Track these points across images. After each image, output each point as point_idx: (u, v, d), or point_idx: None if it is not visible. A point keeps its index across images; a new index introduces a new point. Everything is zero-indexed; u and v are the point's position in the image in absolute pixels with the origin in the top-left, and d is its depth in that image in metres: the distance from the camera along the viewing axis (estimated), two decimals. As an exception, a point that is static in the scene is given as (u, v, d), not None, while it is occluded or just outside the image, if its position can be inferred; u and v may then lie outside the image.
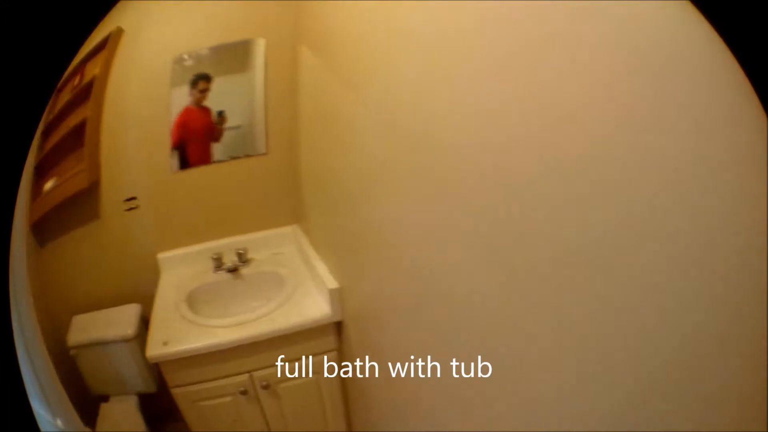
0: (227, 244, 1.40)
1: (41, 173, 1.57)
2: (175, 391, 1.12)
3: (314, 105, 1.11)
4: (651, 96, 0.26)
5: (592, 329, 0.31)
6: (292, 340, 1.07)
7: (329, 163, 1.03)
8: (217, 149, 1.40)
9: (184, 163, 1.39)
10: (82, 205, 1.50)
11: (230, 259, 1.36)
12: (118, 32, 1.41)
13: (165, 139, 1.39)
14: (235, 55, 1.34)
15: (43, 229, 1.62)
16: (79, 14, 0.47)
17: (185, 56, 1.34)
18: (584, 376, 0.32)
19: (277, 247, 1.42)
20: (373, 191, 0.75)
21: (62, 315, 1.62)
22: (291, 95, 1.27)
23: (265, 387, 1.10)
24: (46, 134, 1.56)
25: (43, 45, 0.44)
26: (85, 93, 1.44)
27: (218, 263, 1.36)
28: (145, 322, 1.41)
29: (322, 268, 1.11)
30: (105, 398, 1.51)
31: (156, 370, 1.39)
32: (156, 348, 1.08)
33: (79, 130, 1.42)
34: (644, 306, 0.27)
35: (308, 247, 1.27)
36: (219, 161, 1.42)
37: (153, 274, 1.50)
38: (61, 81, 1.51)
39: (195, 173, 1.41)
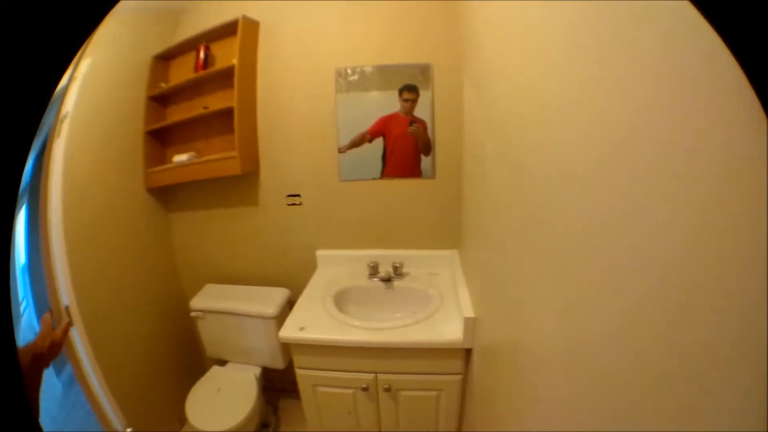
0: (385, 256, 1.85)
1: (163, 140, 2.16)
2: (300, 372, 1.52)
3: (471, 137, 1.43)
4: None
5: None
6: (421, 355, 1.38)
7: (477, 194, 1.35)
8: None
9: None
10: (233, 189, 2.08)
11: (386, 270, 1.77)
12: (251, 23, 1.84)
13: (332, 144, 1.83)
14: (408, 76, 1.71)
15: (172, 197, 2.23)
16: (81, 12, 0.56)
17: (349, 70, 1.74)
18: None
19: (434, 267, 1.81)
20: (499, 229, 1.00)
21: (193, 280, 2.33)
22: (457, 124, 1.62)
23: (387, 390, 1.43)
24: (164, 102, 2.14)
25: (45, 42, 0.53)
26: (224, 77, 1.90)
27: (374, 271, 1.78)
28: (289, 307, 1.95)
29: (465, 295, 1.40)
30: (220, 362, 2.17)
31: (288, 353, 1.97)
32: (291, 331, 1.47)
33: (224, 116, 1.90)
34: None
35: (460, 273, 1.58)
36: (389, 177, 1.82)
37: (309, 266, 2.02)
38: (166, 49, 2.04)
39: (364, 184, 1.85)
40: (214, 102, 1.96)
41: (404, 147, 1.81)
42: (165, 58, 2.11)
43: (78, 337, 1.62)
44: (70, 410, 1.34)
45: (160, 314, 2.24)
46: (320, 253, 2.01)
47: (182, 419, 2.29)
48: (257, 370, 2.03)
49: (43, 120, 0.59)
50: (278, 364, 2.00)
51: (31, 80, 0.55)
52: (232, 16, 1.79)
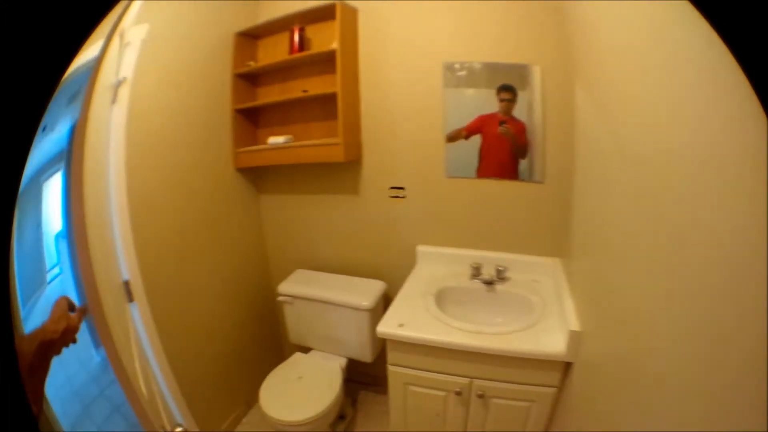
0: (488, 258, 2.00)
1: (253, 120, 2.43)
2: (392, 369, 1.69)
3: (585, 143, 1.55)
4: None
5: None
6: (519, 364, 1.48)
7: (591, 202, 1.49)
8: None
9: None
10: (332, 176, 2.33)
11: (489, 272, 1.91)
12: (350, 8, 2.02)
13: (439, 139, 2.01)
14: (508, 75, 1.84)
15: (264, 178, 2.51)
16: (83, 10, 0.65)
17: (457, 65, 1.89)
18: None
19: (536, 274, 1.95)
20: (617, 239, 1.08)
21: (282, 264, 2.65)
22: (564, 128, 1.71)
23: (480, 396, 1.55)
24: (253, 81, 2.41)
25: (46, 38, 0.61)
26: (322, 62, 2.15)
27: (476, 272, 1.93)
28: (384, 301, 2.21)
29: (570, 306, 1.49)
30: (303, 348, 2.44)
31: (377, 347, 2.23)
32: (390, 326, 1.63)
33: (324, 101, 2.13)
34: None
35: (564, 283, 1.68)
36: (483, 177, 1.98)
37: (407, 261, 2.23)
38: (251, 27, 2.27)
39: (468, 183, 2.02)
40: (314, 86, 2.19)
41: (498, 147, 1.94)
42: (252, 37, 2.36)
43: (138, 313, 1.85)
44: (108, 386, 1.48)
45: (241, 294, 2.55)
46: (421, 248, 2.21)
47: (250, 402, 2.63)
48: (342, 361, 2.29)
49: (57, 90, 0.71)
50: (366, 357, 2.25)
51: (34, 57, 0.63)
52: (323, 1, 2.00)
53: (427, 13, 1.92)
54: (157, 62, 1.86)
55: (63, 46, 0.67)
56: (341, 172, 2.28)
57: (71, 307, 0.83)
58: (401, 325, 1.68)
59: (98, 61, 1.16)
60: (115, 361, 1.14)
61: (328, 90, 2.03)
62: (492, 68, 1.85)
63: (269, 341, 2.86)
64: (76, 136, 1.07)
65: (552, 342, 1.53)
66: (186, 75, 2.02)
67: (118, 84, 1.73)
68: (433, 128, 2.01)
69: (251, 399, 2.64)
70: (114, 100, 1.72)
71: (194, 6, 2.05)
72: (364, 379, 2.62)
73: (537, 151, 1.88)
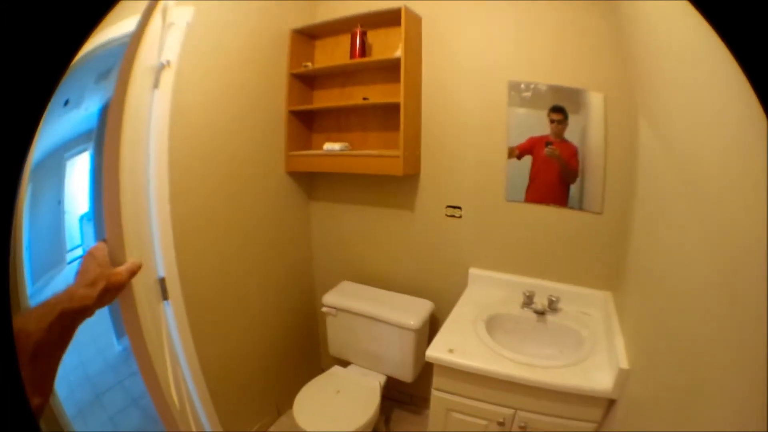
0: (540, 286, 2.09)
1: (308, 123, 2.60)
2: (436, 394, 1.79)
3: (647, 179, 1.55)
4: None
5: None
6: (565, 399, 1.56)
7: (648, 239, 1.49)
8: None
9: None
10: (387, 189, 2.48)
11: (541, 302, 2.00)
12: (414, 16, 2.12)
13: (501, 160, 2.12)
14: (560, 97, 1.94)
15: (315, 184, 2.67)
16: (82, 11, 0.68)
17: (522, 85, 1.99)
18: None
19: (587, 306, 2.03)
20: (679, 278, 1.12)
21: (327, 274, 2.82)
22: (622, 157, 1.81)
23: (522, 428, 1.62)
24: (310, 83, 2.56)
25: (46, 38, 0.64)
26: (383, 69, 2.29)
27: (528, 301, 2.03)
28: (430, 322, 2.34)
29: (619, 343, 1.56)
30: (341, 362, 2.59)
31: (419, 367, 2.36)
32: (439, 351, 1.72)
33: (385, 110, 2.28)
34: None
35: (614, 318, 1.75)
36: (530, 202, 2.09)
37: (458, 283, 2.34)
38: (308, 26, 2.42)
39: (525, 208, 2.09)
40: (374, 94, 2.34)
41: (546, 170, 2.04)
42: (308, 36, 2.52)
43: (172, 312, 1.94)
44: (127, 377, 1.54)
45: (281, 299, 2.73)
46: (474, 271, 2.33)
47: (281, 410, 2.79)
48: (382, 379, 2.42)
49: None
50: (406, 377, 2.38)
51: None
52: (388, 4, 2.12)
53: (491, 26, 2.05)
54: (204, 49, 1.95)
55: (71, 27, 0.70)
56: (397, 185, 2.42)
57: (114, 256, 0.73)
58: (451, 351, 1.79)
59: (136, 38, 1.13)
60: (141, 355, 1.11)
61: (390, 99, 2.18)
62: (553, 90, 1.97)
63: (306, 350, 3.04)
64: (110, 118, 1.04)
65: (600, 379, 1.61)
66: (237, 67, 2.14)
67: (161, 67, 1.78)
68: (494, 148, 2.13)
69: (282, 406, 2.81)
70: (156, 85, 1.75)
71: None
72: (400, 397, 2.76)
73: (590, 177, 1.98)
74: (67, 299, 0.66)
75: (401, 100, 2.10)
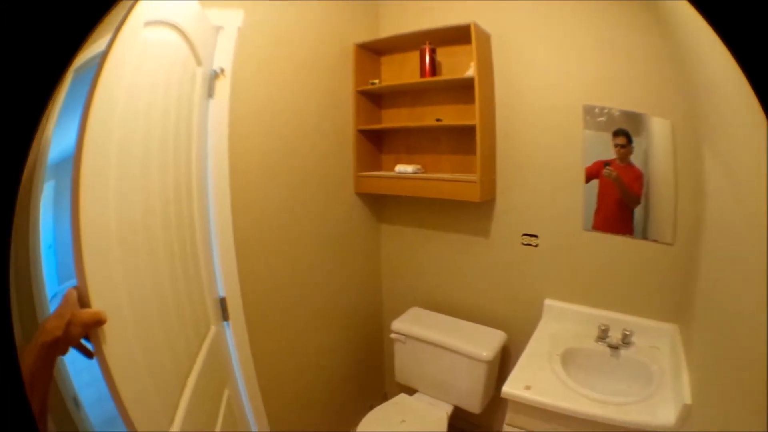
0: (612, 319, 2.16)
1: (377, 143, 2.76)
2: (507, 429, 1.88)
3: (714, 212, 1.60)
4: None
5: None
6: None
7: (715, 274, 1.54)
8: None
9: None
10: (461, 214, 2.60)
11: (615, 336, 2.09)
12: (483, 33, 2.21)
13: (578, 187, 2.20)
14: (635, 124, 2.02)
15: (384, 206, 2.85)
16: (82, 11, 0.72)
17: (597, 109, 2.10)
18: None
19: (655, 339, 2.09)
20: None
21: (395, 299, 2.98)
22: (696, 192, 1.82)
23: None
24: (377, 101, 2.71)
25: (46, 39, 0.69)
26: (454, 89, 2.41)
27: (603, 335, 2.11)
28: (502, 352, 2.46)
29: (685, 378, 1.62)
30: (410, 389, 2.73)
31: (488, 397, 2.50)
32: (516, 387, 1.82)
33: (458, 133, 2.43)
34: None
35: (681, 352, 1.81)
36: (596, 230, 2.18)
37: (531, 314, 2.43)
38: (373, 41, 2.52)
39: (595, 236, 2.19)
40: (446, 115, 2.50)
41: (608, 195, 2.14)
42: (374, 51, 2.69)
43: (230, 331, 2.05)
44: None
45: (346, 322, 2.89)
46: (549, 302, 2.44)
47: None
48: (449, 409, 2.56)
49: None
50: (474, 407, 2.51)
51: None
52: (454, 20, 2.21)
53: (562, 46, 2.15)
54: (261, 58, 2.03)
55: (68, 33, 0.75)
56: (472, 211, 2.55)
57: (82, 300, 0.83)
58: (528, 388, 1.90)
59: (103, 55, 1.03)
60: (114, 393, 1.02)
61: (464, 121, 2.31)
62: (624, 114, 2.07)
63: (370, 374, 3.21)
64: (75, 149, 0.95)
65: (663, 414, 1.69)
66: (298, 80, 2.25)
67: (214, 75, 1.83)
68: (569, 173, 2.22)
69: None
70: (210, 94, 1.83)
71: (304, 4, 2.23)
72: (464, 425, 2.86)
73: (655, 204, 2.06)
74: (42, 333, 0.76)
75: (477, 122, 2.20)
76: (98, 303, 0.92)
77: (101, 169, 1.04)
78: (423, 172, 2.56)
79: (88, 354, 0.86)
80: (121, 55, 1.08)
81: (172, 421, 1.29)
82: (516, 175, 2.39)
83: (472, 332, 2.55)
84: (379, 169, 2.84)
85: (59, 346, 0.78)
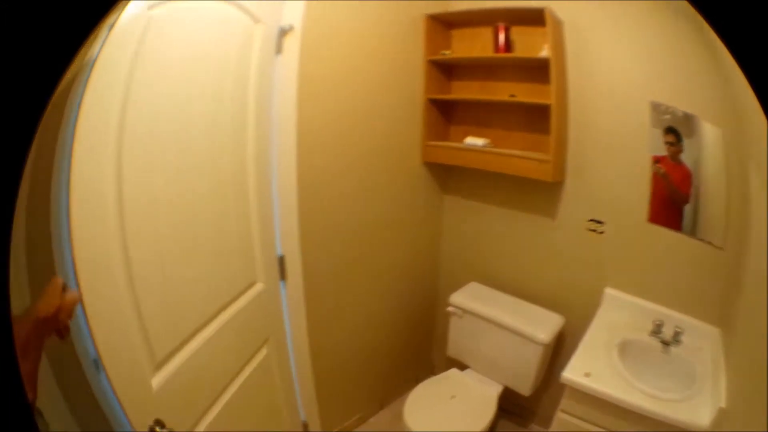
0: (666, 315, 2.24)
1: (446, 113, 2.82)
2: (561, 415, 1.98)
3: (757, 223, 1.64)
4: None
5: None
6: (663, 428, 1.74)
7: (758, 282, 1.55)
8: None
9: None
10: (528, 193, 2.64)
11: (668, 332, 2.16)
12: (556, 19, 2.24)
13: (645, 178, 2.23)
14: (691, 128, 2.04)
15: (450, 178, 2.93)
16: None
17: (663, 106, 2.10)
18: None
19: (701, 340, 2.15)
20: None
21: (453, 272, 3.07)
22: (743, 203, 1.84)
23: None
24: (447, 72, 2.76)
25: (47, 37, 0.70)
26: (527, 68, 2.45)
27: (657, 329, 2.19)
28: (558, 338, 2.54)
29: (723, 382, 1.69)
30: (459, 364, 2.84)
31: (538, 380, 2.59)
32: (576, 374, 1.90)
33: (530, 111, 2.47)
34: None
35: (721, 356, 1.88)
36: (650, 222, 2.24)
37: (590, 301, 2.49)
38: (444, 13, 2.58)
39: (659, 231, 2.22)
40: (520, 92, 2.53)
41: (657, 190, 2.19)
42: (444, 24, 2.73)
43: (285, 291, 2.19)
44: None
45: (402, 292, 3.01)
46: (609, 291, 2.48)
47: (383, 404, 3.11)
48: (499, 389, 2.66)
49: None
50: (525, 390, 2.61)
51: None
52: (529, 3, 2.27)
53: (634, 42, 2.17)
54: (332, 19, 2.09)
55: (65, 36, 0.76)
56: (538, 190, 2.59)
57: (65, 288, 0.91)
58: (587, 375, 1.97)
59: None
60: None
61: (539, 100, 2.35)
62: (688, 119, 2.09)
63: (420, 346, 3.35)
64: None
65: (697, 413, 1.76)
66: (368, 44, 2.32)
67: (282, 32, 1.88)
68: (637, 164, 2.26)
69: (385, 399, 3.15)
70: (278, 50, 1.90)
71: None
72: (510, 407, 2.97)
73: (705, 206, 2.09)
74: (36, 310, 0.85)
75: (552, 102, 2.25)
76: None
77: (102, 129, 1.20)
78: (492, 147, 2.61)
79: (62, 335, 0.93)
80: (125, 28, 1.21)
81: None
82: (586, 159, 2.42)
83: (530, 313, 2.62)
84: (447, 140, 2.90)
85: (48, 327, 0.87)
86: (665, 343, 2.16)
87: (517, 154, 2.46)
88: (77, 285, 1.15)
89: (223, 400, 1.80)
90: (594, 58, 2.29)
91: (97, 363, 1.23)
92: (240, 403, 1.92)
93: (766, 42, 0.57)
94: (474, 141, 2.63)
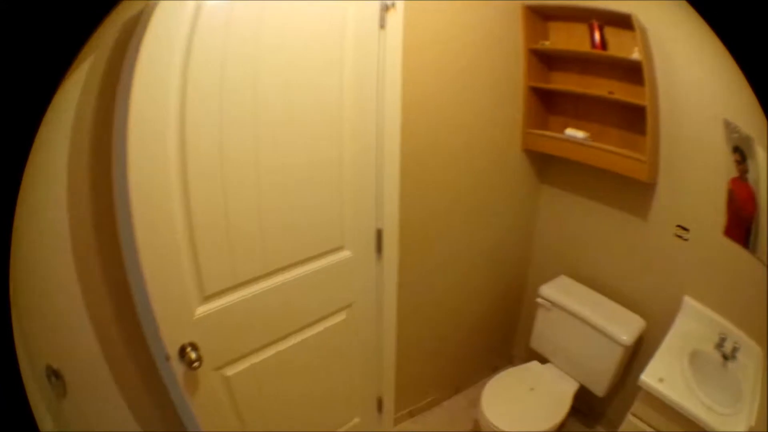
0: (730, 330, 2.25)
1: (545, 103, 2.91)
2: (632, 420, 2.09)
3: None
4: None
5: None
6: None
7: None
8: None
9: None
10: (621, 190, 2.69)
11: (728, 347, 2.18)
12: (642, 27, 2.26)
13: (721, 193, 2.20)
14: (751, 150, 2.01)
15: (548, 168, 3.03)
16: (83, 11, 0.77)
17: (732, 124, 2.10)
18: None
19: (750, 359, 2.16)
20: None
21: (544, 263, 3.18)
22: None
23: None
24: (546, 62, 2.83)
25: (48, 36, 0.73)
26: (622, 68, 2.50)
27: (720, 343, 2.20)
28: (638, 341, 2.60)
29: (756, 403, 1.81)
30: (539, 357, 2.97)
31: (614, 382, 2.69)
32: (651, 378, 1.99)
33: (626, 110, 2.52)
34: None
35: (760, 377, 1.98)
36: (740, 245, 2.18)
37: (670, 306, 2.49)
38: (541, 5, 2.62)
39: (734, 247, 2.19)
40: (617, 90, 2.58)
41: (729, 206, 2.20)
42: (541, 15, 2.80)
43: (387, 266, 2.36)
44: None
45: (490, 278, 3.15)
46: (688, 300, 2.51)
47: (459, 389, 3.25)
48: (575, 386, 2.76)
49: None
50: (599, 390, 2.71)
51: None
52: (617, 5, 2.32)
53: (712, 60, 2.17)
54: (429, 7, 2.18)
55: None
56: (632, 190, 2.63)
57: None
58: (661, 380, 2.06)
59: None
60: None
61: (635, 100, 2.40)
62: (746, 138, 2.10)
63: (501, 334, 3.49)
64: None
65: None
66: (466, 28, 2.41)
67: (385, 8, 1.96)
68: (716, 180, 2.26)
69: (461, 386, 3.32)
70: (382, 24, 1.98)
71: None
72: (579, 405, 3.01)
73: (762, 227, 2.07)
74: None
75: (647, 103, 2.32)
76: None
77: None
78: (591, 140, 2.68)
79: None
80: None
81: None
82: (673, 165, 2.45)
83: (614, 312, 2.70)
84: (546, 129, 2.98)
85: None
86: (725, 357, 2.21)
87: (615, 151, 2.53)
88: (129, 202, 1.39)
89: (277, 348, 2.04)
90: (675, 68, 2.32)
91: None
92: (300, 358, 2.17)
93: (766, 42, 0.60)
94: (574, 133, 2.71)
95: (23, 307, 1.39)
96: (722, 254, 2.32)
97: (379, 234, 2.30)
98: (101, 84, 1.45)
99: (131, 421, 1.80)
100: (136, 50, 1.31)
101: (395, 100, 2.12)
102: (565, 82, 2.87)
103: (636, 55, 2.32)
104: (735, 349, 2.20)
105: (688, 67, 2.30)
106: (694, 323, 2.44)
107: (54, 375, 1.49)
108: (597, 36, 2.52)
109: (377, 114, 2.09)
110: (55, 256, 1.50)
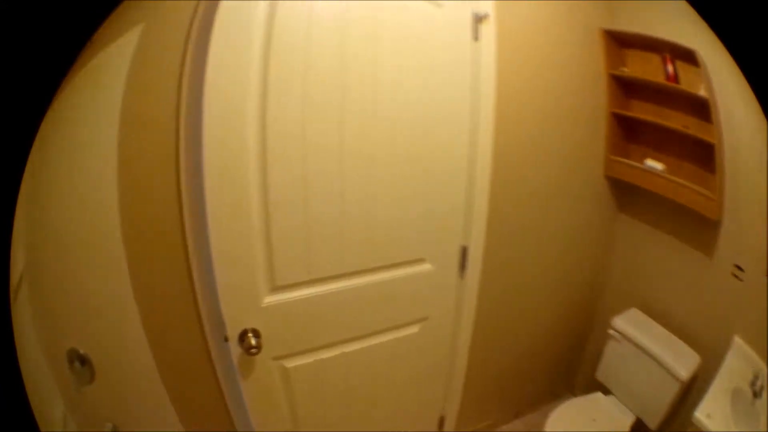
0: (761, 369, 2.22)
1: (626, 130, 3.00)
2: None
3: None
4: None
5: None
6: None
7: None
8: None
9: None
10: (690, 225, 2.75)
11: (759, 384, 2.30)
12: (703, 62, 2.34)
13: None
14: None
15: (627, 197, 3.11)
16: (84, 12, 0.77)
17: None
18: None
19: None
20: None
21: (616, 295, 3.25)
22: None
23: None
24: (625, 89, 2.90)
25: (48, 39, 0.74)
26: (689, 102, 2.57)
27: (754, 381, 2.29)
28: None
29: None
30: (603, 388, 3.07)
31: (668, 416, 2.76)
32: (702, 413, 2.01)
33: (696, 145, 2.59)
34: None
35: None
36: None
37: (721, 344, 2.46)
38: (618, 31, 2.69)
39: None
40: (691, 125, 2.65)
41: None
42: (618, 41, 2.88)
43: (469, 284, 2.48)
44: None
45: (561, 304, 3.24)
46: (737, 340, 2.53)
47: (519, 413, 3.34)
48: (632, 418, 2.83)
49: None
50: (653, 423, 2.78)
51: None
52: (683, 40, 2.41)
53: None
54: (516, 13, 2.27)
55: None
56: (698, 225, 2.68)
57: None
58: (709, 417, 2.13)
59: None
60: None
61: (705, 136, 2.49)
62: None
63: (566, 363, 3.57)
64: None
65: None
66: (548, 47, 2.52)
67: (479, 19, 2.03)
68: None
69: (521, 411, 3.41)
70: (476, 37, 2.06)
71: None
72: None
73: None
74: None
75: (717, 141, 2.42)
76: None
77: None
78: (667, 173, 2.78)
79: None
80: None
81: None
82: (736, 204, 2.50)
83: (675, 347, 2.76)
84: (626, 157, 3.06)
85: None
86: (755, 395, 2.26)
87: (690, 186, 2.62)
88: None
89: (343, 349, 2.15)
90: (736, 107, 2.38)
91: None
92: (366, 364, 2.27)
93: (766, 43, 0.62)
94: (654, 164, 2.81)
95: (47, 288, 1.45)
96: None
97: (464, 251, 2.41)
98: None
99: (170, 410, 1.85)
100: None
101: (488, 116, 2.23)
102: (642, 111, 2.96)
103: (703, 92, 2.42)
104: (761, 388, 2.26)
105: (745, 107, 2.37)
106: (740, 362, 2.48)
107: (79, 360, 1.52)
108: (670, 68, 2.62)
109: (470, 127, 2.19)
110: (101, 233, 1.52)
